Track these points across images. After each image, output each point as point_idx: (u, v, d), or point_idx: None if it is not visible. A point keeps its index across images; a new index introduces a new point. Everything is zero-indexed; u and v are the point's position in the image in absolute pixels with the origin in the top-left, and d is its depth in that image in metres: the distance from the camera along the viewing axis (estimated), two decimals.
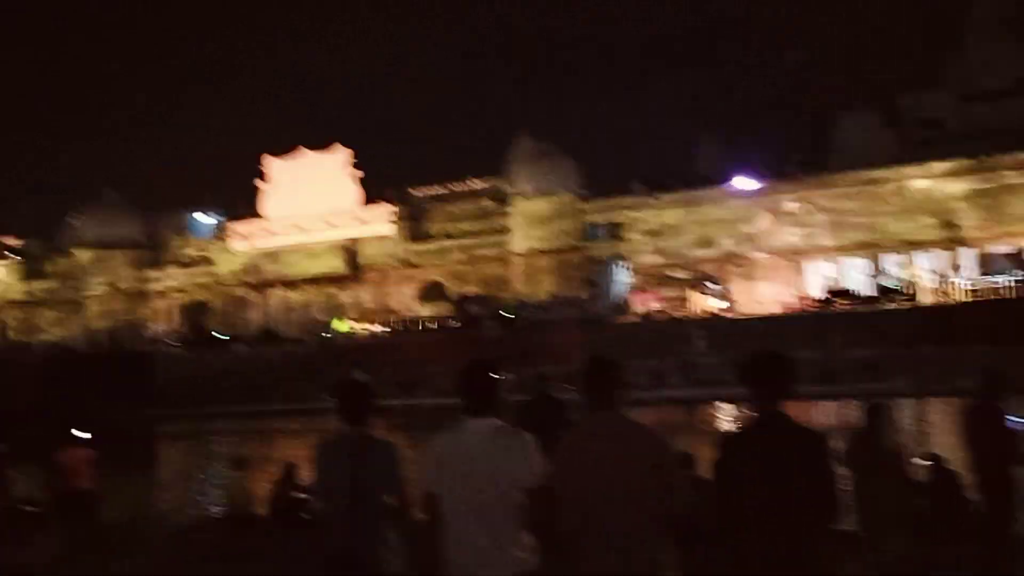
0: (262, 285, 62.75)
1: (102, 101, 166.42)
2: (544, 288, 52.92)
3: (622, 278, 53.73)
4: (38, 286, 68.42)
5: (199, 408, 39.44)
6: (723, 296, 49.11)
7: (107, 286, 65.04)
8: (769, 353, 4.12)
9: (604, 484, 3.96)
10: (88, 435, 11.58)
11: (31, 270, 69.60)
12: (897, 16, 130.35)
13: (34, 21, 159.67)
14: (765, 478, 3.82)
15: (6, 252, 71.46)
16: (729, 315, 45.99)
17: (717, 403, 29.92)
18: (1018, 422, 7.10)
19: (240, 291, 63.33)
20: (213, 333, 57.39)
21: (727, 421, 27.00)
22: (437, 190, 62.95)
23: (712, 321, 43.80)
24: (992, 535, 7.15)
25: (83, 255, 65.43)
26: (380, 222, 60.08)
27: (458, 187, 62.59)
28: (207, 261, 65.29)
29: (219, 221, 68.05)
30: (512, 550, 4.04)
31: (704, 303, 48.79)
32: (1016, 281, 40.31)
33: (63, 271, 67.30)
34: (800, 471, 3.81)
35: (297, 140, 65.27)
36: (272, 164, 63.75)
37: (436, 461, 4.23)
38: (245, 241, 63.54)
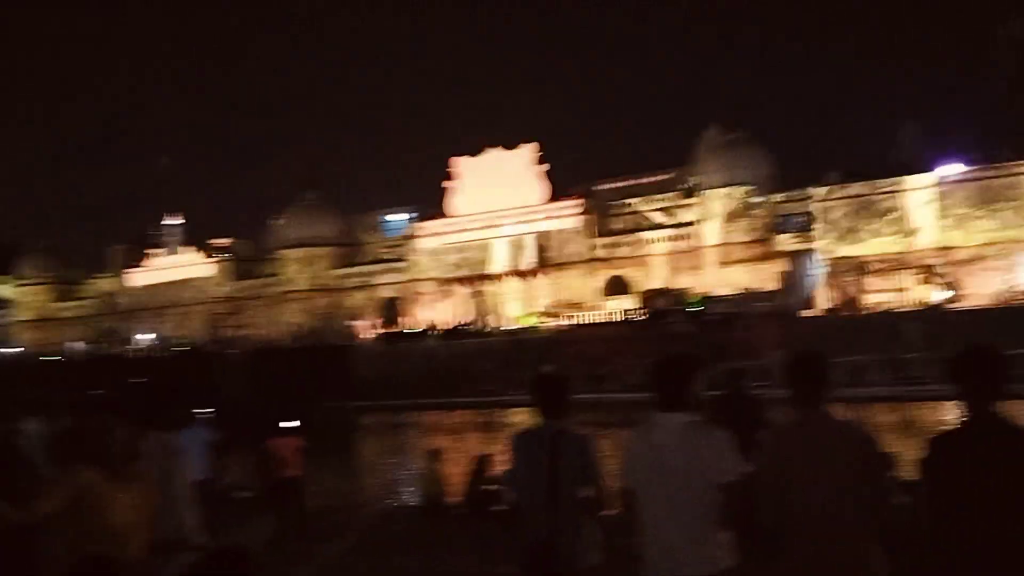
0: (452, 280, 64.56)
1: (296, 110, 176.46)
2: (734, 282, 51.67)
3: (815, 270, 51.63)
4: (246, 285, 73.48)
5: (394, 400, 41.13)
6: (949, 286, 45.98)
7: (309, 283, 69.02)
8: (982, 348, 3.85)
9: (811, 482, 3.91)
10: (296, 424, 12.23)
11: (240, 270, 74.88)
12: None
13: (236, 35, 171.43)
14: (976, 482, 3.59)
15: (216, 253, 77.20)
16: (949, 306, 43.05)
17: (928, 401, 28.15)
18: None
19: (430, 286, 65.44)
20: (405, 328, 59.61)
21: (938, 421, 25.41)
22: (623, 183, 62.72)
23: (927, 313, 41.19)
24: None
25: (287, 254, 69.80)
26: (567, 217, 60.52)
27: (645, 180, 62.13)
28: (399, 259, 67.90)
29: (411, 219, 70.64)
30: (707, 547, 4.00)
31: (926, 294, 45.86)
32: None
33: (268, 270, 72.03)
34: (1017, 476, 3.54)
35: (484, 140, 66.43)
36: (460, 163, 65.46)
37: (630, 456, 4.25)
38: (435, 238, 65.59)
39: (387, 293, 67.65)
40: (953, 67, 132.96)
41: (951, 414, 23.28)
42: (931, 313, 40.83)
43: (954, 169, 48.24)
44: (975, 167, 48.06)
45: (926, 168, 49.53)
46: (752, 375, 10.67)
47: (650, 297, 51.37)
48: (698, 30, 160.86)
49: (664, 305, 48.19)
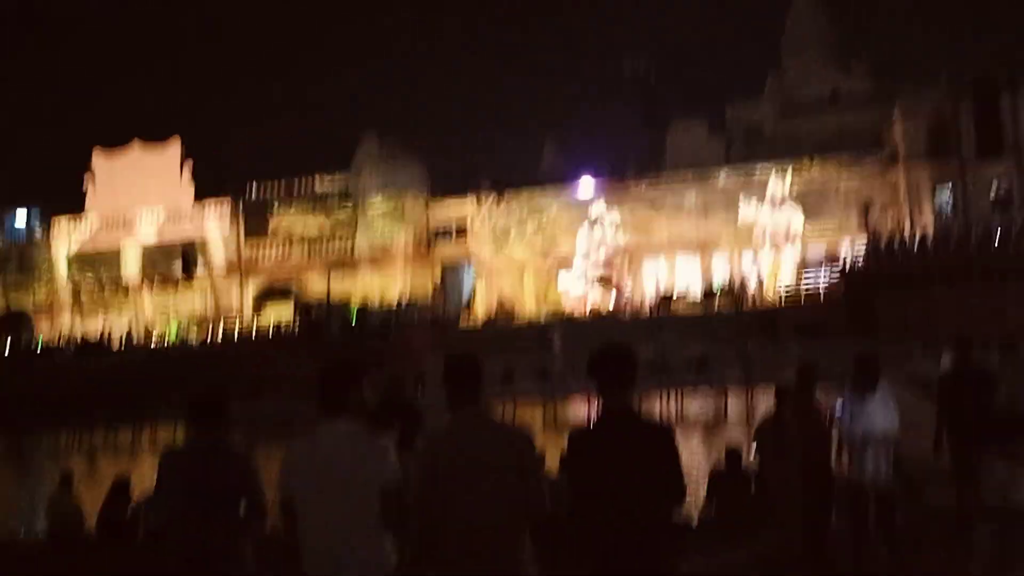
0: (89, 290, 59.27)
1: None
2: (394, 290, 52.55)
3: (470, 279, 54.08)
4: None
5: (19, 424, 36.86)
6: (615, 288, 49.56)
7: None
8: (613, 346, 4.24)
9: (467, 483, 3.99)
10: None
11: None
12: (727, 28, 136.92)
13: None
14: (609, 469, 3.96)
15: None
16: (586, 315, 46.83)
17: (570, 400, 30.47)
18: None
19: (63, 297, 59.57)
20: (33, 344, 53.66)
21: (578, 418, 27.67)
22: (279, 188, 61.25)
23: (565, 321, 44.61)
24: (808, 518, 7.66)
25: None
26: (217, 221, 57.96)
27: (301, 186, 61.16)
28: (25, 265, 61.01)
29: (37, 220, 63.60)
30: (371, 553, 4.04)
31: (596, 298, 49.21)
32: (831, 280, 43.18)
33: None
34: (647, 462, 3.97)
35: (130, 133, 61.38)
36: (100, 157, 60.20)
37: (290, 465, 4.19)
38: (67, 242, 59.81)
39: (10, 304, 60.46)
40: (593, 89, 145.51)
41: (588, 410, 25.52)
42: (571, 322, 44.39)
43: (590, 184, 52.86)
44: (609, 183, 53.06)
45: (566, 182, 53.77)
46: (410, 382, 10.90)
47: (306, 307, 50.75)
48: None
49: (320, 314, 47.84)
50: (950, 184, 47.07)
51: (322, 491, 4.04)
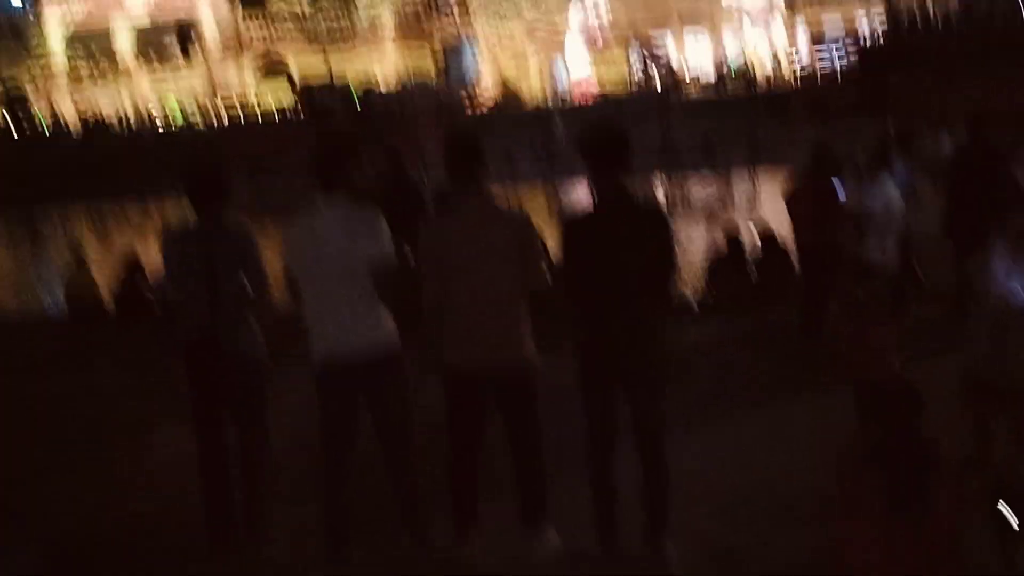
0: (85, 70, 57.88)
1: None
2: (393, 69, 51.08)
3: (472, 58, 52.51)
4: None
5: (31, 204, 37.07)
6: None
7: None
8: (604, 126, 4.13)
9: (469, 261, 4.03)
10: None
11: None
12: None
13: None
14: (603, 247, 3.97)
15: None
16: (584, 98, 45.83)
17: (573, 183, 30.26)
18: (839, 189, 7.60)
19: (60, 78, 58.27)
20: (37, 126, 53.05)
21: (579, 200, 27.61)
22: None
23: (568, 105, 43.68)
24: (810, 296, 7.77)
25: None
26: None
27: None
28: (20, 42, 59.26)
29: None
30: (368, 327, 4.11)
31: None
32: (839, 59, 41.71)
33: None
34: (640, 245, 3.96)
35: None
36: None
37: (290, 243, 4.21)
38: (61, 21, 57.78)
39: (9, 85, 59.18)
40: None
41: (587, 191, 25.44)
42: (575, 107, 43.42)
43: None
44: None
45: None
46: (412, 161, 10.67)
47: (307, 89, 49.38)
48: None
49: (324, 97, 46.64)
50: None
51: (319, 266, 4.08)
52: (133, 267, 12.13)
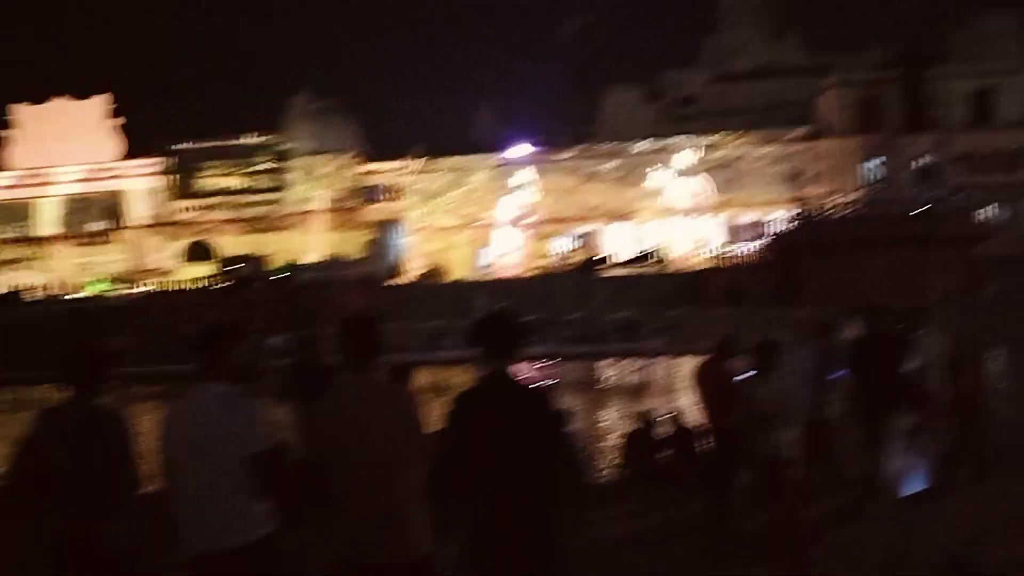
0: (8, 242, 57.37)
1: None
2: (321, 249, 51.93)
3: (402, 239, 53.75)
4: None
5: None
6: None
7: None
8: (496, 314, 4.24)
9: (357, 444, 3.94)
10: None
11: None
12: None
13: None
14: (486, 429, 3.96)
15: None
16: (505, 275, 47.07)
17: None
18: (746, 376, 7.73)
19: None
20: None
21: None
22: (208, 145, 59.81)
23: (490, 284, 44.66)
24: (711, 482, 7.75)
25: None
26: (143, 176, 56.55)
27: (231, 142, 59.82)
28: None
29: None
30: (240, 518, 3.94)
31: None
32: (758, 247, 43.88)
33: None
34: (522, 427, 3.97)
35: (50, 89, 59.75)
36: (20, 111, 58.34)
37: (166, 429, 4.07)
38: None
39: None
40: (526, 58, 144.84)
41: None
42: (495, 283, 44.56)
43: (522, 150, 52.71)
44: (540, 149, 53.01)
45: (498, 148, 53.64)
46: (330, 342, 10.62)
47: (231, 263, 49.81)
48: None
49: (248, 272, 47.01)
50: (877, 157, 48.16)
51: (192, 455, 3.93)
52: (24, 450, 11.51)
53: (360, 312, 4.43)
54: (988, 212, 42.97)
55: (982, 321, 32.23)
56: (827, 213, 39.67)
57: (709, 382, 7.79)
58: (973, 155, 47.17)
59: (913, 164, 47.81)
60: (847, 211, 39.11)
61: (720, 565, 6.44)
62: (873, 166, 48.52)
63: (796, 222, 40.63)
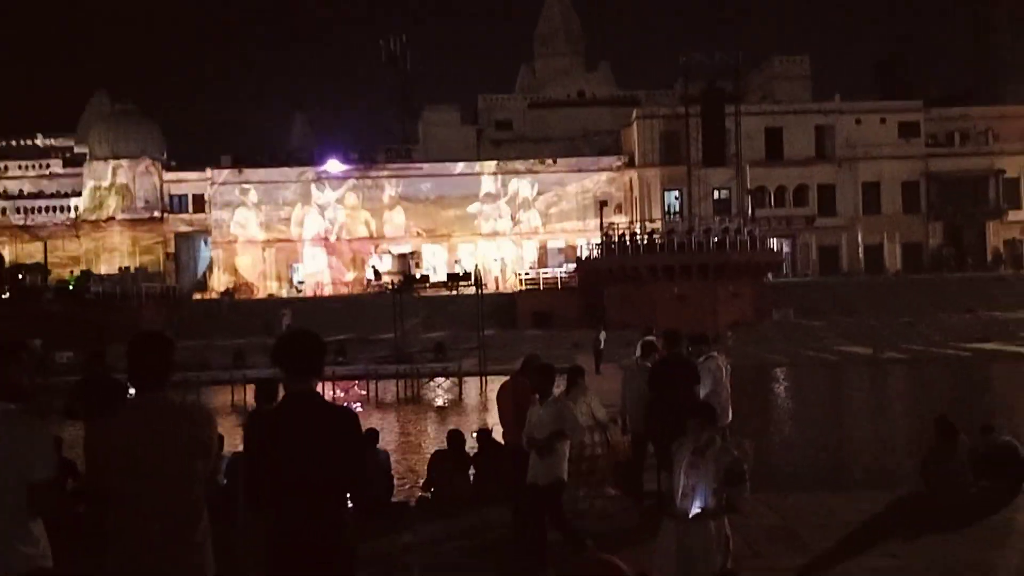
0: None
1: None
2: (120, 260, 49.13)
3: (206, 253, 51.66)
4: None
5: None
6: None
7: None
8: (297, 333, 4.20)
9: (138, 469, 3.77)
10: None
11: None
12: (483, 19, 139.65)
13: None
14: (290, 452, 3.91)
15: None
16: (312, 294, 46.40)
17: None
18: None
19: None
20: None
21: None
22: None
23: (295, 301, 43.82)
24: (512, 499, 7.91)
25: None
26: None
27: (23, 144, 55.84)
28: None
29: None
30: (19, 546, 3.70)
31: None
32: (567, 273, 45.25)
33: None
34: (325, 447, 3.94)
35: None
36: None
37: None
38: None
39: None
40: (345, 72, 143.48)
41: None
42: (304, 300, 43.92)
43: (338, 166, 51.99)
44: (357, 166, 52.53)
45: (314, 162, 52.70)
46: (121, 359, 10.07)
47: (17, 268, 46.25)
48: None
49: (34, 282, 43.75)
50: (678, 188, 50.89)
51: None
52: None
53: (151, 329, 4.26)
54: (776, 243, 46.24)
55: (768, 346, 34.89)
56: (629, 240, 41.44)
57: (508, 401, 7.94)
58: (765, 188, 50.75)
59: (711, 195, 50.87)
60: (647, 239, 40.95)
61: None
62: (674, 196, 51.25)
63: (601, 248, 42.22)
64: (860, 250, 51.15)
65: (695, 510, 5.34)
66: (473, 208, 51.38)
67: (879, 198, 51.84)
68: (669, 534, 5.46)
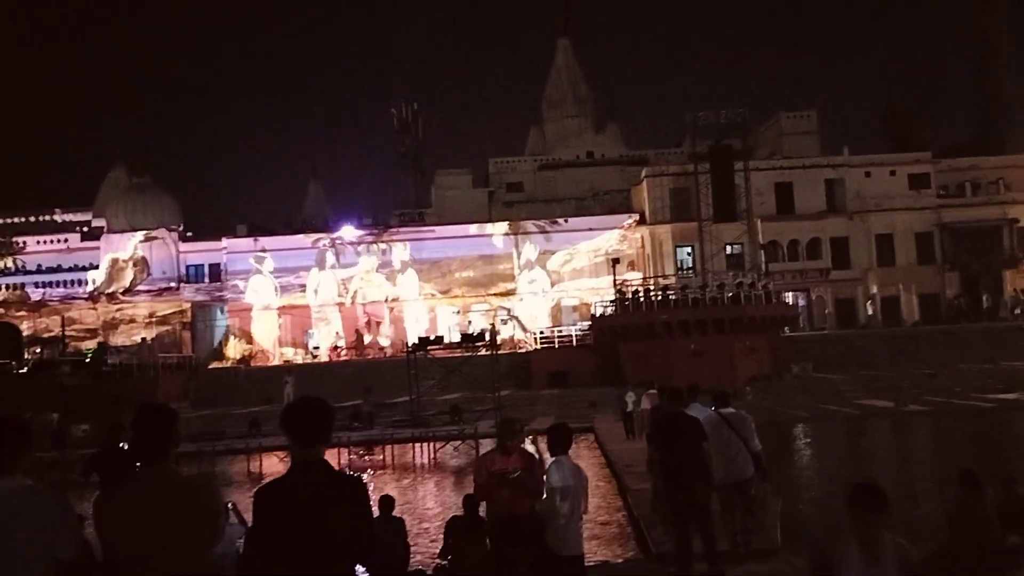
0: None
1: None
2: (139, 332, 49.41)
3: (222, 321, 51.87)
4: None
5: None
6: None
7: None
8: (303, 400, 4.17)
9: (141, 541, 3.75)
10: None
11: None
12: (494, 83, 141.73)
13: None
14: (299, 523, 3.85)
15: None
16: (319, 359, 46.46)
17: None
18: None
19: None
20: None
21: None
22: (18, 220, 56.50)
23: (315, 365, 43.81)
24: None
25: None
26: None
27: (42, 220, 56.74)
28: None
29: None
30: None
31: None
32: (581, 331, 45.03)
33: None
34: (334, 514, 3.88)
35: None
36: None
37: None
38: None
39: None
40: (359, 139, 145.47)
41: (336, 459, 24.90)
42: (318, 366, 43.89)
43: (352, 232, 52.35)
44: (371, 231, 52.92)
45: (328, 227, 53.13)
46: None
47: (35, 341, 46.51)
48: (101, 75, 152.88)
49: (51, 355, 43.90)
50: (690, 244, 51.00)
51: None
52: None
53: (155, 400, 4.26)
54: (791, 296, 46.07)
55: (788, 400, 34.52)
56: (643, 296, 41.34)
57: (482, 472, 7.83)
58: (777, 242, 50.74)
59: (723, 250, 50.92)
60: (662, 295, 40.85)
61: None
62: (686, 252, 51.32)
63: (615, 305, 42.08)
64: (877, 301, 50.83)
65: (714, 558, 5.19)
66: (486, 269, 51.53)
67: (893, 250, 51.74)
68: None
